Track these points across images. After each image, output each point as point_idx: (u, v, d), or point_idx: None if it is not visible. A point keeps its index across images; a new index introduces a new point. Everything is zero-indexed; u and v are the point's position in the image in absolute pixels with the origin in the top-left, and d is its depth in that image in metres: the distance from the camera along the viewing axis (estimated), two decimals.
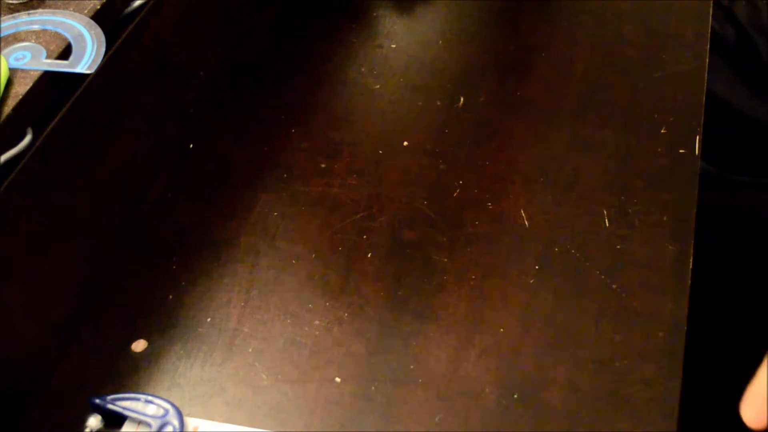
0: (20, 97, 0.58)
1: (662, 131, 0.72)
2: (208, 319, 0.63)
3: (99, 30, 0.64)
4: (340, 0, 0.89)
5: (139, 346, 0.62)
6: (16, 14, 0.65)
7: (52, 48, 0.62)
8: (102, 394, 0.58)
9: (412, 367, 0.59)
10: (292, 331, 0.62)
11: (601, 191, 0.69)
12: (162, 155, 0.75)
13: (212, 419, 0.58)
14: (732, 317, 0.85)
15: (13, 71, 0.60)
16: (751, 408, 0.50)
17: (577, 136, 0.73)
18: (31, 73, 0.60)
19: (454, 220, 0.68)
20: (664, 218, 0.66)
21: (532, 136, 0.75)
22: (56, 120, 0.60)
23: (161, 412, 0.57)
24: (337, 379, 0.59)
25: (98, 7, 0.65)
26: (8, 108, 0.57)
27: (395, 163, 0.73)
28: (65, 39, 0.63)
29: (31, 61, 0.61)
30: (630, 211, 0.67)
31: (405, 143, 0.75)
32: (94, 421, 0.57)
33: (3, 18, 0.64)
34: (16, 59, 0.61)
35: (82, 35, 0.63)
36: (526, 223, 0.67)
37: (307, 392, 0.59)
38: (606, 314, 0.61)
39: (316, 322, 0.62)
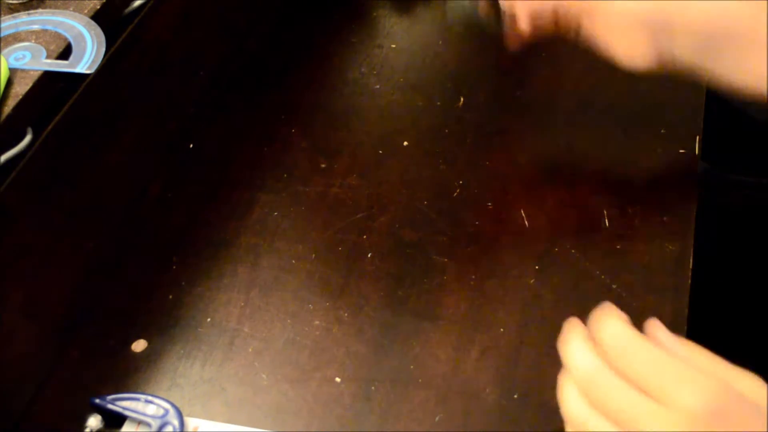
0: (20, 97, 0.58)
1: (662, 131, 0.72)
2: (208, 319, 0.63)
3: (99, 30, 0.64)
4: (340, 0, 0.89)
5: (139, 346, 0.62)
6: (16, 14, 0.65)
7: (52, 48, 0.62)
8: (102, 394, 0.58)
9: (412, 367, 0.59)
10: (292, 331, 0.62)
11: (601, 191, 0.69)
12: (162, 155, 0.75)
13: (212, 419, 0.58)
14: (732, 317, 0.85)
15: (13, 71, 0.60)
16: None
17: (577, 136, 0.73)
18: (31, 73, 0.60)
19: (454, 220, 0.68)
20: (664, 218, 0.66)
21: (532, 136, 0.75)
22: (56, 120, 0.60)
23: (161, 412, 0.57)
24: (337, 379, 0.59)
25: (98, 7, 0.65)
26: (8, 108, 0.57)
27: (395, 163, 0.73)
28: (65, 39, 0.63)
29: (31, 61, 0.61)
30: (630, 211, 0.67)
31: (405, 143, 0.75)
32: (94, 421, 0.57)
33: (3, 18, 0.64)
34: (16, 59, 0.61)
35: (82, 35, 0.63)
36: (526, 223, 0.67)
37: (307, 392, 0.59)
38: None
39: (316, 322, 0.62)
